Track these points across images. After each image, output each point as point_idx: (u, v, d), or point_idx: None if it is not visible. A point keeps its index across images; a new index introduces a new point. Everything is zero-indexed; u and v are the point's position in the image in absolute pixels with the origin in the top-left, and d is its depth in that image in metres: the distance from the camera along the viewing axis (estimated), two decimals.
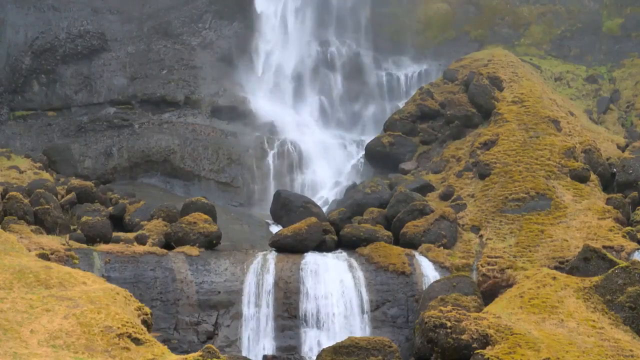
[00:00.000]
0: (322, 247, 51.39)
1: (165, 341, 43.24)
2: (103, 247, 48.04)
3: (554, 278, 43.48)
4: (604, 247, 48.15)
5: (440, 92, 68.91)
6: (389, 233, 52.47)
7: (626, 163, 57.14)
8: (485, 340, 37.89)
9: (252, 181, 68.00)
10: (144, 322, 36.94)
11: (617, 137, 65.72)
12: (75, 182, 56.68)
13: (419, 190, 57.22)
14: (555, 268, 47.41)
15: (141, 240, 49.59)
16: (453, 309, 39.73)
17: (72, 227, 50.54)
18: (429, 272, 49.37)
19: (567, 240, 50.53)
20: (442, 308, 40.25)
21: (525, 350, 36.97)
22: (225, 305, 47.65)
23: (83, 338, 33.04)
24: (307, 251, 50.33)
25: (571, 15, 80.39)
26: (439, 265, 49.95)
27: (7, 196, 49.66)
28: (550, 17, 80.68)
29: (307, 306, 47.56)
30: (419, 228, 52.19)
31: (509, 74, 67.43)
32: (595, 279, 42.66)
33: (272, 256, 49.60)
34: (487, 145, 59.83)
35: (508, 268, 49.26)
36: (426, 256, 50.41)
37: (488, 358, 36.57)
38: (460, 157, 61.05)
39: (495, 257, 50.15)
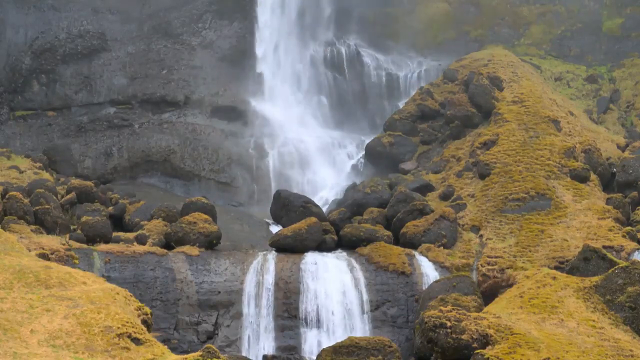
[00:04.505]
0: (322, 247, 51.41)
1: (165, 341, 43.25)
2: (103, 247, 48.06)
3: (554, 278, 43.47)
4: (604, 247, 48.12)
5: (440, 92, 68.94)
6: (389, 233, 52.47)
7: (626, 163, 57.14)
8: (485, 340, 37.89)
9: (252, 181, 68.01)
10: (144, 322, 36.94)
11: (617, 137, 65.71)
12: (75, 182, 56.71)
13: (419, 190, 57.24)
14: (555, 268, 47.40)
15: (141, 240, 49.61)
16: (453, 309, 39.72)
17: (72, 227, 50.57)
18: (429, 272, 49.38)
19: (567, 240, 50.53)
20: (442, 308, 40.24)
21: (525, 350, 36.97)
22: (225, 305, 47.66)
23: (83, 338, 33.04)
24: (307, 251, 50.35)
25: (571, 15, 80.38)
26: (439, 265, 49.95)
27: (7, 196, 49.69)
28: (550, 17, 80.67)
29: (307, 306, 47.56)
30: (419, 228, 52.20)
31: (509, 74, 67.44)
32: (595, 279, 42.64)
33: (272, 256, 49.62)
34: (487, 145, 59.84)
35: (508, 268, 49.26)
36: (426, 256, 50.43)
37: (488, 358, 36.56)
38: (460, 157, 61.06)
39: (495, 257, 50.16)
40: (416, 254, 50.52)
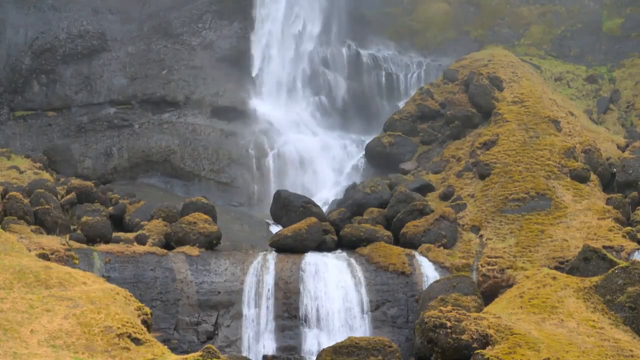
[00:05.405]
0: (322, 247, 51.41)
1: (165, 341, 43.25)
2: (103, 247, 48.06)
3: (554, 278, 43.47)
4: (604, 247, 48.12)
5: (440, 92, 68.96)
6: (389, 233, 52.47)
7: (626, 163, 57.14)
8: (485, 340, 37.89)
9: (252, 181, 68.03)
10: (144, 322, 36.94)
11: (617, 137, 65.72)
12: (75, 182, 56.70)
13: (419, 190, 57.23)
14: (555, 268, 47.40)
15: (141, 240, 49.61)
16: (453, 309, 39.71)
17: (72, 227, 50.57)
18: (429, 272, 49.38)
19: (567, 240, 50.53)
20: (442, 308, 40.23)
21: (525, 350, 36.97)
22: (226, 305, 47.66)
23: (83, 338, 33.04)
24: (307, 251, 50.34)
25: (571, 15, 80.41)
26: (439, 265, 49.95)
27: (7, 196, 49.68)
28: (550, 17, 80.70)
29: (307, 306, 47.57)
30: (419, 228, 52.20)
31: (509, 74, 67.45)
32: (595, 279, 42.64)
33: (272, 256, 49.62)
34: (487, 145, 59.84)
35: (508, 268, 49.27)
36: (426, 256, 50.42)
37: (488, 358, 36.56)
38: (460, 157, 61.06)
39: (495, 257, 50.16)
40: (416, 254, 50.52)
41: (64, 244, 46.92)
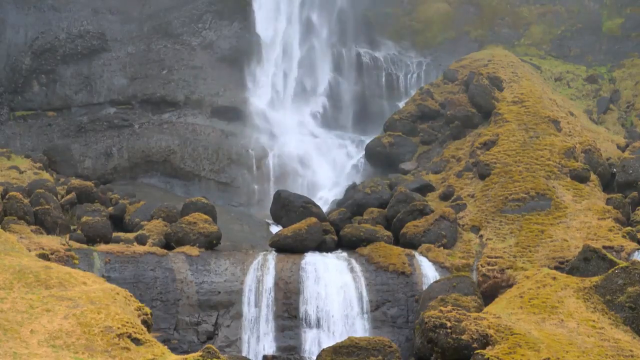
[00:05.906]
0: (322, 247, 51.41)
1: (165, 341, 43.27)
2: (103, 247, 48.07)
3: (554, 278, 43.48)
4: (604, 247, 48.13)
5: (440, 92, 68.96)
6: (389, 233, 52.47)
7: (626, 163, 57.15)
8: (485, 340, 37.89)
9: (252, 181, 68.03)
10: (144, 322, 36.94)
11: (617, 137, 65.72)
12: (75, 182, 56.72)
13: (419, 190, 57.24)
14: (555, 268, 47.42)
15: (141, 241, 49.61)
16: (453, 309, 39.73)
17: (72, 227, 50.58)
18: (429, 272, 49.38)
19: (567, 240, 50.53)
20: (442, 308, 40.25)
21: (525, 350, 36.98)
22: (226, 305, 47.67)
23: (83, 338, 33.04)
24: (307, 251, 50.35)
25: (571, 15, 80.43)
26: (439, 265, 49.95)
27: (7, 196, 49.69)
28: (550, 17, 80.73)
29: (307, 306, 47.57)
30: (419, 228, 52.20)
31: (509, 74, 67.46)
32: (595, 279, 42.65)
33: (272, 256, 49.62)
34: (487, 145, 59.85)
35: (508, 268, 49.27)
36: (426, 256, 50.42)
37: (488, 358, 36.57)
38: (460, 157, 61.07)
39: (495, 257, 50.16)
40: (416, 254, 50.53)
41: (64, 244, 46.93)
